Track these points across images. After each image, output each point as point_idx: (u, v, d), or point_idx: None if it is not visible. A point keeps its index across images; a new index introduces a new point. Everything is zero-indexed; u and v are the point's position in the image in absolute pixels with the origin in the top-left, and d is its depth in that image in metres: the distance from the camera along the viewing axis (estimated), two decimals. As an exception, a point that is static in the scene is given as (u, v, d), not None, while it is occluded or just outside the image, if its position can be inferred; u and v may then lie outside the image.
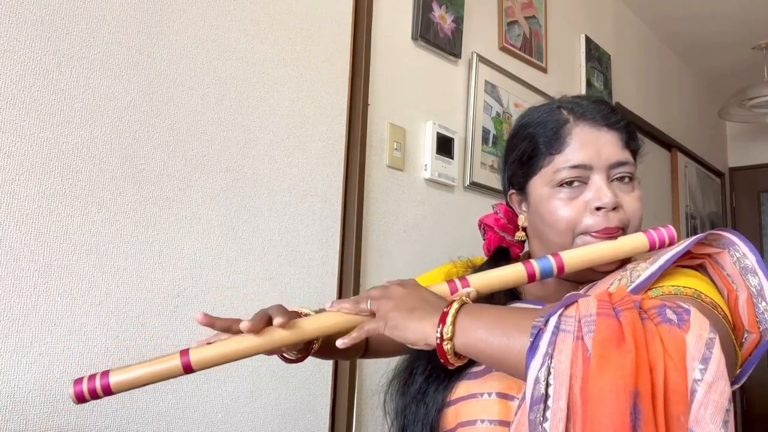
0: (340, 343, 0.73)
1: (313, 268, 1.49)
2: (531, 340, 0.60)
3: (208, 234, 1.30)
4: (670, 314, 0.58)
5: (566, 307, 0.62)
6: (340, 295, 1.52)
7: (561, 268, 0.80)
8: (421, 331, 0.70)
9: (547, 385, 0.57)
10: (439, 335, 0.68)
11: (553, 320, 0.60)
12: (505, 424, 0.78)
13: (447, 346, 0.68)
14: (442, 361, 0.69)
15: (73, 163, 1.11)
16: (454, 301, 0.71)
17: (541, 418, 0.57)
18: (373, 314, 0.75)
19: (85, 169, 1.13)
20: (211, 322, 0.75)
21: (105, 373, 0.73)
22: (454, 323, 0.68)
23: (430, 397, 0.85)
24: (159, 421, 1.19)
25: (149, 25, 1.24)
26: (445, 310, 0.69)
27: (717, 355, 0.55)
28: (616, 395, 0.53)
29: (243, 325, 0.73)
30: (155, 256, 1.21)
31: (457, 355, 0.69)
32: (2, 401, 1.00)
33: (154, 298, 1.20)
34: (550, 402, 0.57)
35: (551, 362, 0.58)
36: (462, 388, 0.83)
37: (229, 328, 0.75)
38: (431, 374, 0.86)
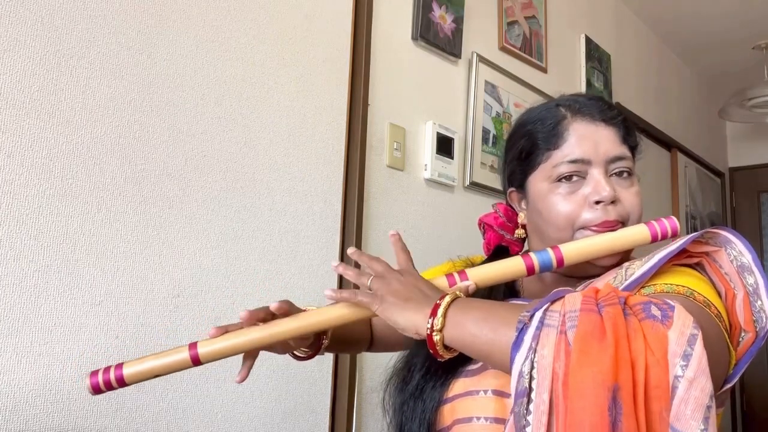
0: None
1: (313, 268, 1.49)
2: (516, 334, 0.61)
3: (208, 234, 1.30)
4: (654, 310, 0.58)
5: (552, 302, 0.63)
6: (340, 295, 1.52)
7: (560, 261, 0.80)
8: (412, 320, 0.72)
9: (531, 378, 0.58)
10: (429, 326, 0.70)
11: (538, 315, 0.61)
12: (501, 421, 0.78)
13: (436, 338, 0.69)
14: (432, 352, 0.71)
15: (73, 163, 1.11)
16: (446, 294, 0.72)
17: (525, 411, 0.58)
18: (369, 290, 0.77)
19: (85, 169, 1.13)
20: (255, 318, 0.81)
21: (119, 366, 0.78)
22: (444, 315, 0.70)
23: (428, 394, 0.86)
24: (159, 421, 1.19)
25: (149, 25, 1.24)
26: (437, 302, 0.71)
27: (699, 351, 0.55)
28: (595, 390, 0.54)
29: (242, 314, 0.79)
30: (155, 256, 1.21)
31: (446, 347, 0.70)
32: (2, 401, 1.00)
33: (154, 298, 1.20)
34: (533, 395, 0.58)
35: (535, 356, 0.59)
36: (459, 385, 0.84)
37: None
38: (428, 371, 0.87)
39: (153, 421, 1.18)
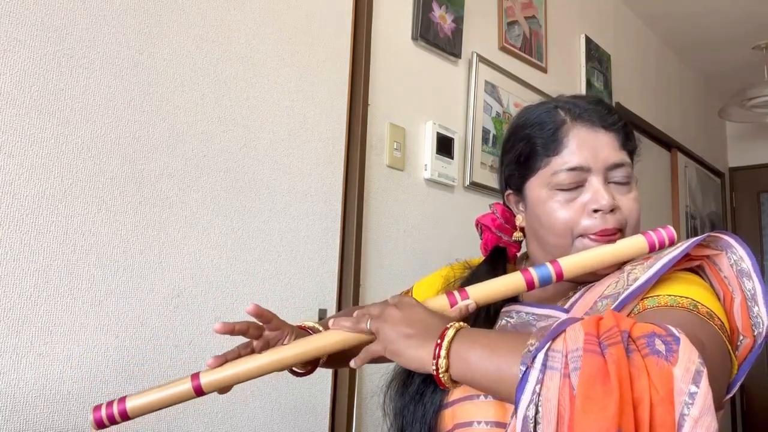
0: (353, 363, 0.77)
1: (313, 268, 1.49)
2: (519, 377, 0.60)
3: (208, 234, 1.30)
4: (658, 345, 0.58)
5: (553, 339, 0.61)
6: (339, 295, 1.52)
7: (560, 275, 0.80)
8: (417, 359, 0.71)
9: (536, 423, 0.58)
10: (434, 368, 0.70)
11: (540, 357, 0.60)
12: (501, 425, 0.78)
13: (444, 378, 0.70)
14: (441, 387, 0.71)
15: (73, 163, 1.11)
16: (447, 329, 0.71)
17: None
18: (372, 333, 0.77)
19: (85, 169, 1.13)
20: (230, 329, 0.79)
21: (122, 399, 0.78)
22: (447, 356, 0.69)
23: (428, 398, 0.85)
24: (159, 422, 1.19)
25: (149, 25, 1.24)
26: (438, 342, 0.70)
27: (704, 389, 0.55)
28: None
29: (216, 326, 0.78)
30: (155, 256, 1.21)
31: (454, 381, 0.70)
32: (2, 401, 1.00)
33: (154, 298, 1.20)
34: None
35: (539, 400, 0.58)
36: (459, 389, 0.83)
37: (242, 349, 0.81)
38: (429, 375, 0.86)
39: (153, 422, 1.18)
